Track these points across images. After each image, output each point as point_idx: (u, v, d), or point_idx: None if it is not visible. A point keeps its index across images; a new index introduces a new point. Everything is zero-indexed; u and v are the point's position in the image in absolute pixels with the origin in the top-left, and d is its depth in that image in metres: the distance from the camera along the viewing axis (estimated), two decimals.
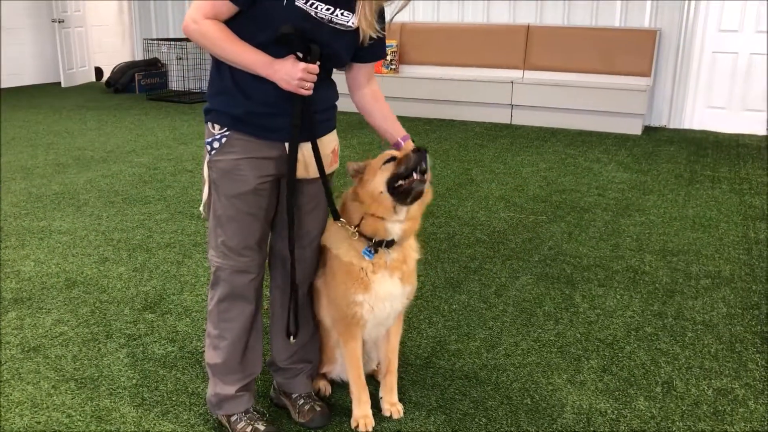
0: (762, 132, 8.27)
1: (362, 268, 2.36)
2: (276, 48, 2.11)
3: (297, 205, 2.34)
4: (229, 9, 2.10)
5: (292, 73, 2.09)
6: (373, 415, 2.54)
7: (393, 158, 2.28)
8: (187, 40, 10.83)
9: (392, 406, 2.59)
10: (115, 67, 11.36)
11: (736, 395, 2.79)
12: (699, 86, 8.49)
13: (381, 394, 2.61)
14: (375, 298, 2.39)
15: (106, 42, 12.80)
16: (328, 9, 2.12)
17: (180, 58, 10.87)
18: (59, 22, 11.31)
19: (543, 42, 8.86)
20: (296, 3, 2.08)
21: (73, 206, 5.10)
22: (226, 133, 2.22)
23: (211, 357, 2.43)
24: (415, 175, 2.20)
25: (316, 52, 2.11)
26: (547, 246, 4.43)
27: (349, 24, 2.18)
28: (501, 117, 8.81)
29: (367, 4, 2.17)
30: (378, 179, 2.27)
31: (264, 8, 2.10)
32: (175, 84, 11.29)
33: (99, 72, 12.48)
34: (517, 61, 9.00)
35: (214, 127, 2.24)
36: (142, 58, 11.70)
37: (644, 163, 6.72)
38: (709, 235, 4.67)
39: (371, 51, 2.34)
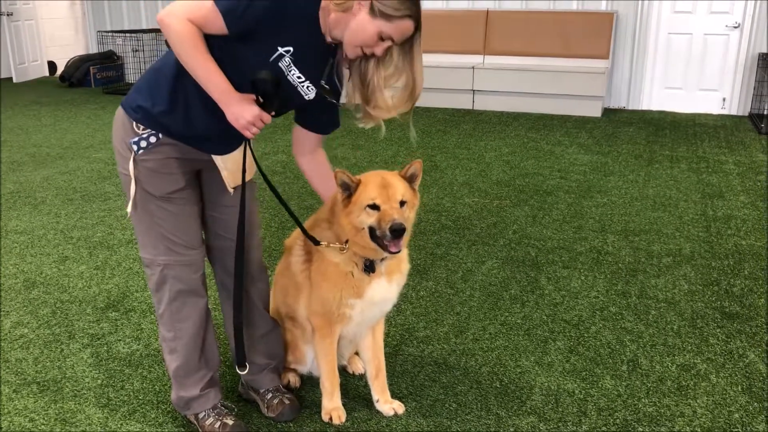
0: (717, 111, 8.45)
1: (351, 273, 2.34)
2: (237, 85, 2.08)
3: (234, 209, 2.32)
4: (217, 28, 2.01)
5: (244, 114, 2.05)
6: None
7: (376, 206, 2.24)
8: (142, 31, 10.60)
9: (392, 404, 2.57)
10: (69, 61, 11.07)
11: (699, 370, 2.85)
12: (656, 67, 8.64)
13: (376, 396, 2.57)
14: (368, 302, 2.39)
15: (59, 35, 12.46)
16: (299, 77, 2.15)
17: (136, 50, 10.64)
18: (8, 15, 10.97)
19: (502, 27, 8.90)
20: (279, 63, 2.09)
21: (30, 205, 4.97)
22: (156, 136, 2.15)
23: (170, 361, 2.38)
24: (390, 247, 2.23)
25: (275, 105, 2.12)
26: (512, 230, 4.47)
27: (308, 97, 2.22)
28: (463, 102, 8.83)
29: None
30: (362, 218, 2.24)
31: (245, 53, 2.06)
32: (131, 77, 11.06)
33: (52, 66, 12.16)
34: (478, 46, 9.02)
35: (138, 127, 2.15)
36: (97, 51, 11.43)
37: (605, 144, 6.81)
38: (669, 214, 4.76)
39: (326, 120, 2.39)
